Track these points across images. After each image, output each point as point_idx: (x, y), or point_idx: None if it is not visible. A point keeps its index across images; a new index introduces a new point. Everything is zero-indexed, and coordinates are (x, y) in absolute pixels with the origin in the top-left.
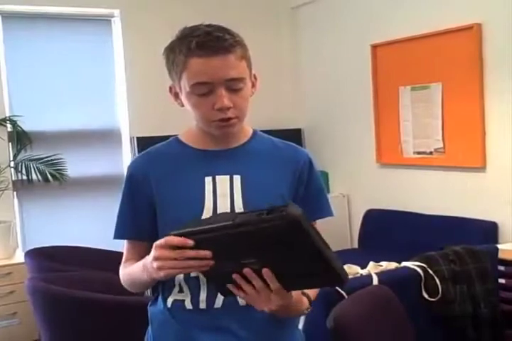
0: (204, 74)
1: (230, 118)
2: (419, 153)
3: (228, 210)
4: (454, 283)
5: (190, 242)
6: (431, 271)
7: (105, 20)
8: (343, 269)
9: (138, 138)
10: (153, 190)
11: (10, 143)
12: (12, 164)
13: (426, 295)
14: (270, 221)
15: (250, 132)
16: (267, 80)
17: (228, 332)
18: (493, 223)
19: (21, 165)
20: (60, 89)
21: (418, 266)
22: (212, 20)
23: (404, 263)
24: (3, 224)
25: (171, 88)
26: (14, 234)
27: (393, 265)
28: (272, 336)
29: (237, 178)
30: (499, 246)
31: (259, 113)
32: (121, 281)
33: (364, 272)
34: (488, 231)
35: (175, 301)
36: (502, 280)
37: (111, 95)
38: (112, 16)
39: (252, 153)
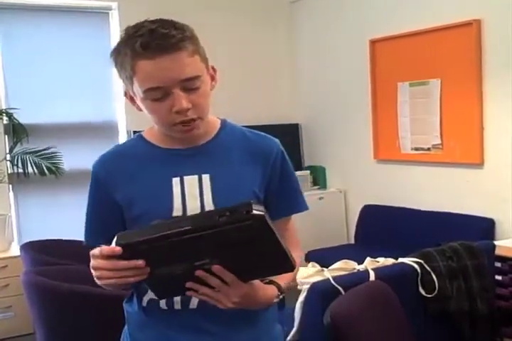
0: (155, 77)
1: (191, 120)
2: (416, 149)
3: (199, 212)
4: (451, 279)
5: (117, 250)
6: (428, 267)
7: (103, 13)
8: (292, 256)
9: (135, 131)
10: (119, 190)
11: (6, 136)
12: (8, 157)
13: (422, 291)
14: (235, 223)
15: (218, 123)
16: (264, 75)
17: (205, 332)
18: (490, 219)
19: (17, 158)
20: (56, 81)
21: (415, 261)
22: (210, 14)
23: (401, 259)
24: None
25: (126, 93)
26: (10, 227)
27: (390, 261)
28: (250, 333)
29: (206, 177)
30: (496, 242)
31: (257, 108)
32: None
33: (361, 268)
34: (486, 227)
35: (150, 300)
36: (498, 277)
37: (108, 88)
38: (110, 9)
39: (221, 148)
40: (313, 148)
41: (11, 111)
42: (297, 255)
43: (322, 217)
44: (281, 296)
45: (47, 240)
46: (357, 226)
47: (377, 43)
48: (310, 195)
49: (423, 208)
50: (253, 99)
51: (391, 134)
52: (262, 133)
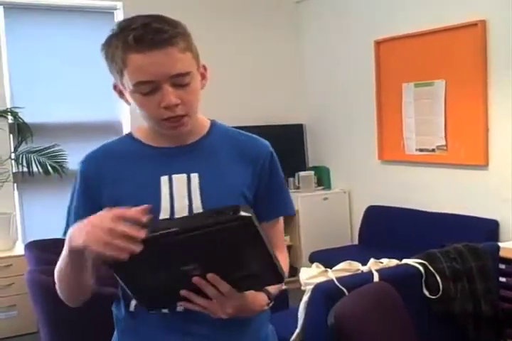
0: (146, 71)
1: (179, 116)
2: (421, 150)
3: (186, 211)
4: (455, 281)
5: (144, 219)
6: (432, 269)
7: (108, 13)
8: (281, 267)
9: None
10: (106, 189)
11: (11, 135)
12: (13, 156)
13: (426, 293)
14: (221, 223)
15: (208, 124)
16: (269, 75)
17: (194, 334)
18: (494, 221)
19: (22, 157)
20: (61, 81)
21: (419, 263)
22: (215, 13)
23: (405, 260)
24: (4, 216)
25: (115, 86)
26: (14, 226)
27: (394, 262)
28: (240, 334)
29: (194, 177)
30: (500, 244)
31: (262, 108)
32: (57, 290)
33: (365, 269)
34: (490, 229)
35: (138, 305)
36: (503, 279)
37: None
38: (115, 8)
39: (210, 148)
40: (317, 149)
41: (15, 110)
42: (284, 257)
43: (326, 217)
44: (270, 304)
45: (51, 239)
46: (361, 227)
47: (382, 44)
48: (314, 195)
49: (427, 209)
50: (258, 99)
51: (396, 135)
52: (253, 135)
